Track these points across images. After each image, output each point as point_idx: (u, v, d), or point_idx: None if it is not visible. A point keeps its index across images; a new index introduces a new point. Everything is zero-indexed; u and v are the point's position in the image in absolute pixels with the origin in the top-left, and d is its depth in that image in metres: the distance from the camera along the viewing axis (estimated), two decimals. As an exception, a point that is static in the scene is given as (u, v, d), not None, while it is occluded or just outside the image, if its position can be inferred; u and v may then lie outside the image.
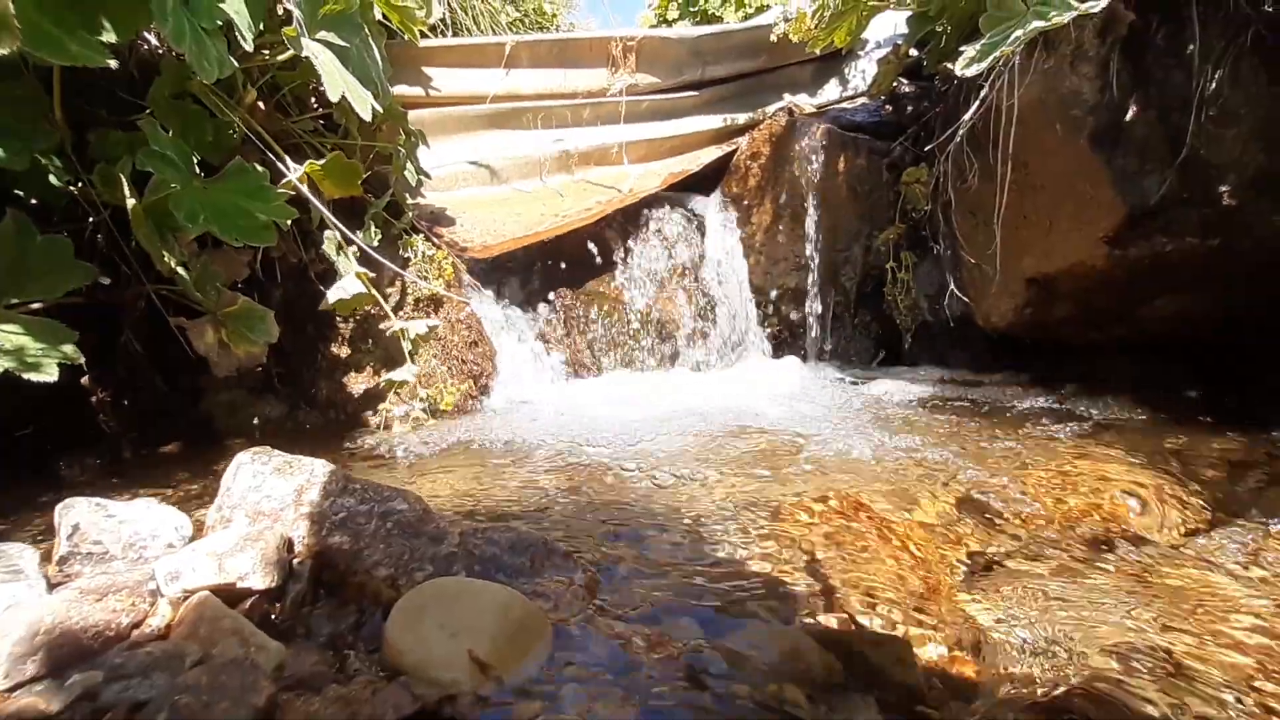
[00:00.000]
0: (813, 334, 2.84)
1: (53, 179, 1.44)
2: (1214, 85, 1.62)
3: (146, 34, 1.65)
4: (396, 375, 1.99)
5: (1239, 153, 1.64)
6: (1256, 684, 0.81)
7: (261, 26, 1.48)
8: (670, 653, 0.85)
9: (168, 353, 1.70)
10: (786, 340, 2.90)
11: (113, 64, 1.16)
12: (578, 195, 2.79)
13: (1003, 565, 1.12)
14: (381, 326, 2.04)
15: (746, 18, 4.21)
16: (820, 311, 2.81)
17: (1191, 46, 1.63)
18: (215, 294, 1.61)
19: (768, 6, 3.98)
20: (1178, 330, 2.04)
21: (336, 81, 1.58)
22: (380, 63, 1.88)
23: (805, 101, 3.26)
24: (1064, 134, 1.86)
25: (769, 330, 2.90)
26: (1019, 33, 1.47)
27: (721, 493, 1.41)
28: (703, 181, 3.03)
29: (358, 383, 2.09)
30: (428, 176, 2.40)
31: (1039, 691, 0.80)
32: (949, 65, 1.78)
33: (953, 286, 2.43)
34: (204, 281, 1.57)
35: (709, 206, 2.99)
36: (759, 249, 2.87)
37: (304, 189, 1.73)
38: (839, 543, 1.16)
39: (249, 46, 1.41)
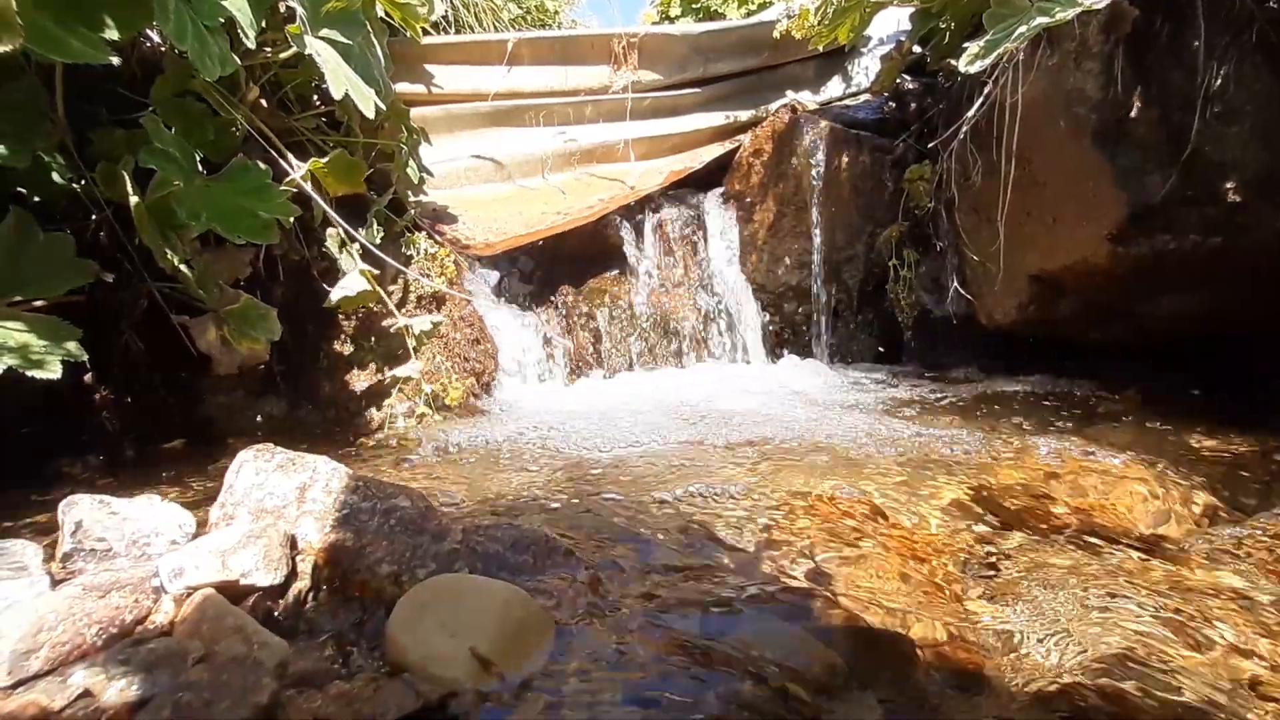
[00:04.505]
0: (815, 332, 2.83)
1: (55, 177, 1.43)
2: (1218, 83, 1.62)
3: (149, 31, 1.64)
4: (401, 371, 2.00)
5: (1241, 151, 1.63)
6: (1259, 681, 0.80)
7: (264, 24, 1.48)
8: (672, 650, 0.85)
9: (169, 351, 1.70)
10: (789, 338, 2.89)
11: (115, 61, 1.16)
12: (580, 193, 2.78)
13: (1007, 563, 1.12)
14: (385, 324, 2.04)
15: (749, 14, 4.20)
16: (823, 309, 2.81)
17: (1195, 43, 1.62)
18: (217, 292, 1.61)
19: (770, 3, 3.96)
20: (1180, 330, 2.04)
21: (339, 79, 1.58)
22: (382, 60, 1.88)
23: (808, 99, 3.25)
24: (1067, 131, 1.86)
25: (771, 328, 2.90)
26: (1023, 29, 1.47)
27: (724, 490, 1.41)
28: (705, 179, 3.03)
29: (360, 380, 2.09)
30: (430, 174, 2.40)
31: (1043, 689, 0.80)
32: (952, 62, 1.77)
33: (955, 284, 2.42)
34: (206, 279, 1.57)
35: (711, 204, 2.98)
36: (761, 246, 2.86)
37: (307, 186, 1.73)
38: (842, 540, 1.16)
39: (251, 44, 1.41)
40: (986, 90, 1.99)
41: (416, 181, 2.27)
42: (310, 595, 0.97)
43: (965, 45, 1.58)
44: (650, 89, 3.06)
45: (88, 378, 1.70)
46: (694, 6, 4.73)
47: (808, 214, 2.75)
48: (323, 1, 1.60)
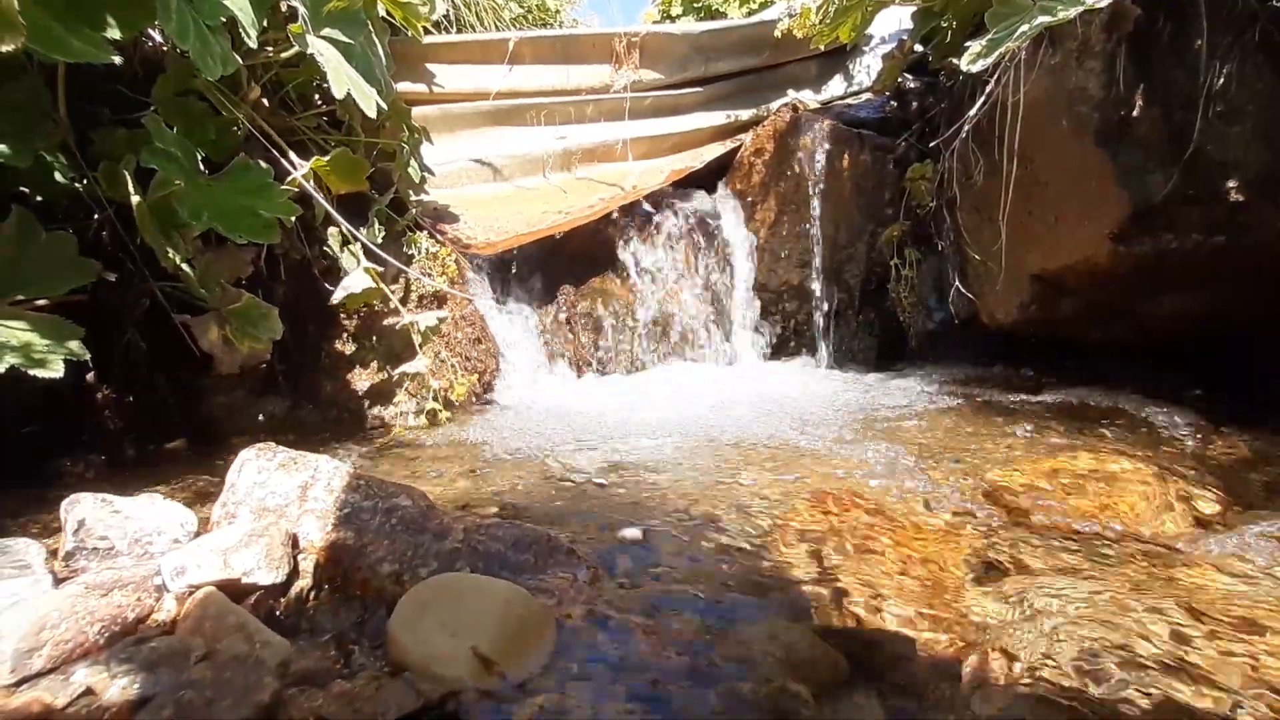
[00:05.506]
0: (816, 331, 2.83)
1: (57, 176, 1.44)
2: (1220, 82, 1.62)
3: (150, 31, 1.65)
4: (409, 367, 2.01)
5: (1244, 151, 1.63)
6: (1263, 682, 0.80)
7: (265, 23, 1.48)
8: (674, 648, 0.85)
9: (171, 351, 1.70)
10: (790, 338, 2.89)
11: (117, 61, 1.16)
12: (581, 192, 2.78)
13: (1009, 563, 1.12)
14: (387, 322, 2.05)
15: (750, 13, 4.20)
16: (824, 309, 2.80)
17: (1198, 42, 1.62)
18: (219, 291, 1.61)
19: (771, 2, 3.96)
20: (1181, 329, 2.04)
21: (341, 78, 1.58)
22: (384, 59, 1.88)
23: (809, 98, 3.25)
24: (1069, 130, 1.86)
25: (772, 328, 2.89)
26: (1025, 28, 1.46)
27: (725, 490, 1.41)
28: (706, 178, 3.02)
29: (361, 379, 2.09)
30: (431, 173, 2.40)
31: (1045, 689, 0.80)
32: (954, 61, 1.77)
33: (957, 283, 2.42)
34: (208, 278, 1.57)
35: (712, 203, 2.98)
36: (762, 246, 2.86)
37: (309, 185, 1.73)
38: (845, 539, 1.16)
39: (253, 43, 1.41)
40: (988, 89, 1.99)
41: (418, 181, 2.27)
42: (312, 594, 0.97)
43: (967, 44, 1.58)
44: (651, 88, 3.06)
45: (89, 377, 1.70)
46: (695, 5, 4.73)
47: (809, 213, 2.75)
48: (324, 1, 1.60)
